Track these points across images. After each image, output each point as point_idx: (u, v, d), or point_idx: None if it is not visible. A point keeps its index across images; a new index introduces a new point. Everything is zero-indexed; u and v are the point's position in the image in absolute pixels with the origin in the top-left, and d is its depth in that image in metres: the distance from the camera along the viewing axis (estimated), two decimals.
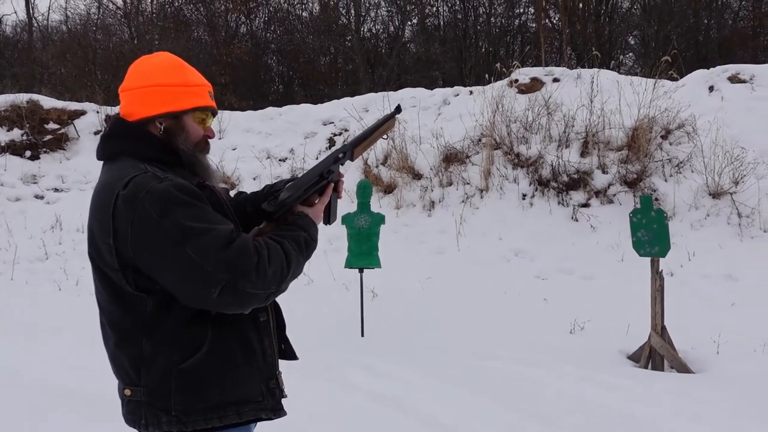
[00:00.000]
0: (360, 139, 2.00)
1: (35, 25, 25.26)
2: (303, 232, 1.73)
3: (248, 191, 2.06)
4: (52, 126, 10.89)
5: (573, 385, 4.41)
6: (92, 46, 21.37)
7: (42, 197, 9.72)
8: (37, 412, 4.03)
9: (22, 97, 10.95)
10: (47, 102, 11.22)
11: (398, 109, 2.13)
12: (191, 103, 1.74)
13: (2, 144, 10.37)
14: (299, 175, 1.89)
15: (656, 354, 4.94)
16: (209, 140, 1.83)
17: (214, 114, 1.84)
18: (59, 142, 10.82)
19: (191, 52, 21.65)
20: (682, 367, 4.83)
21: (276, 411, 1.75)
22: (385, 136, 2.07)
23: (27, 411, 4.06)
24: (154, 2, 24.50)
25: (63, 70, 21.46)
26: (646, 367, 4.97)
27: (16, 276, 7.72)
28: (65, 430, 3.77)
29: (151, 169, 1.62)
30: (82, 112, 11.33)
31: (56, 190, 9.92)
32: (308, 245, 1.73)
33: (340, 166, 1.91)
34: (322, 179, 1.86)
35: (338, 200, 1.99)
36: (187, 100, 1.73)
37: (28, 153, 10.49)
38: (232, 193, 2.06)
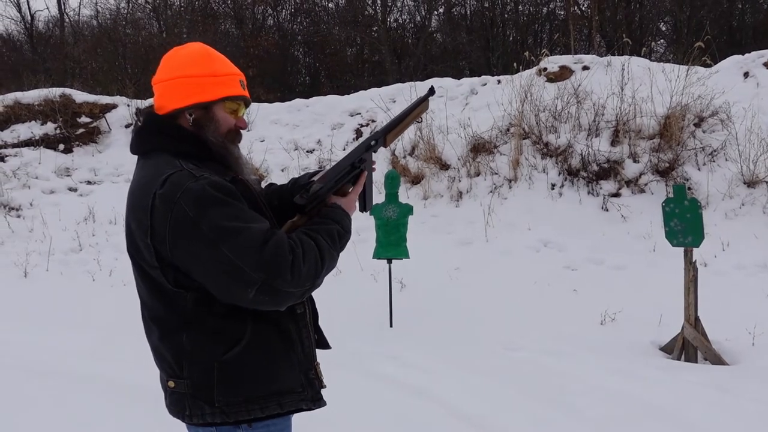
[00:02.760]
0: (392, 125, 1.97)
1: (66, 20, 25.68)
2: (336, 225, 1.72)
3: (278, 183, 2.06)
4: (84, 120, 11.10)
5: (603, 377, 4.36)
6: (122, 41, 21.65)
7: (75, 190, 9.91)
8: (71, 402, 4.12)
9: (55, 92, 11.17)
10: (79, 96, 11.43)
11: (432, 91, 2.07)
12: (220, 93, 1.72)
13: (37, 138, 10.59)
14: (326, 167, 1.88)
15: (689, 345, 4.86)
16: (241, 131, 1.80)
17: (246, 104, 1.81)
18: (91, 136, 11.02)
19: (219, 44, 21.78)
20: (716, 359, 4.75)
21: (316, 401, 1.76)
22: (418, 120, 2.03)
23: (59, 401, 4.15)
24: None
25: (94, 64, 21.82)
26: (678, 359, 4.89)
27: (51, 267, 7.87)
28: (98, 419, 3.84)
29: (185, 166, 1.62)
30: (114, 106, 11.52)
31: (89, 182, 10.09)
32: (342, 237, 1.72)
33: (373, 153, 1.90)
34: (354, 168, 1.84)
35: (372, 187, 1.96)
36: (215, 90, 1.72)
37: (61, 146, 10.71)
38: (262, 185, 2.06)
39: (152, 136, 1.72)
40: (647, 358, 4.92)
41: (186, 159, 1.66)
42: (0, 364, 4.89)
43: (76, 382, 4.48)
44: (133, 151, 1.76)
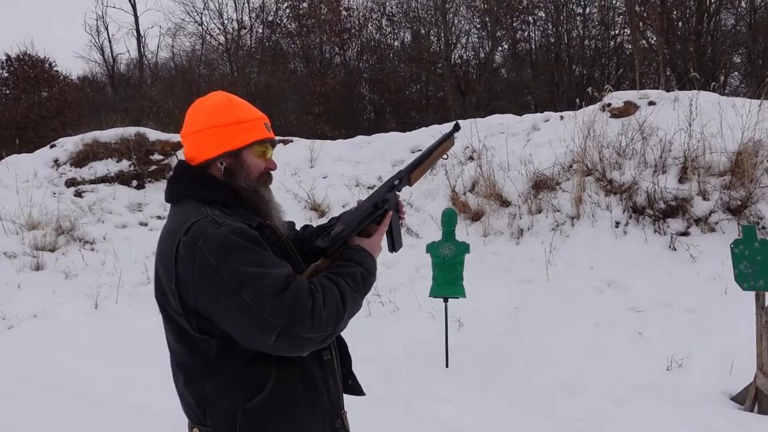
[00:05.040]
0: (417, 164, 1.97)
1: (145, 62, 27.08)
2: (359, 267, 1.70)
3: (315, 224, 2.08)
4: (156, 157, 11.60)
5: (666, 427, 4.15)
6: (196, 81, 22.62)
7: (146, 224, 10.30)
8: None
9: (131, 131, 11.76)
10: (153, 134, 11.98)
11: (457, 127, 2.08)
12: (246, 139, 1.75)
13: (112, 174, 11.13)
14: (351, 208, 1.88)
15: (763, 396, 4.58)
16: (272, 172, 1.83)
17: (273, 145, 1.84)
18: (162, 172, 11.48)
19: (287, 83, 22.51)
20: None
21: None
22: (444, 156, 2.04)
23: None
24: (254, 37, 25.72)
25: (171, 103, 22.85)
26: (751, 411, 4.60)
27: (120, 299, 8.17)
28: None
29: (211, 213, 1.64)
30: None
31: (159, 217, 10.47)
32: (365, 280, 1.70)
33: (397, 192, 1.89)
34: (377, 209, 1.83)
35: (401, 225, 1.94)
36: (242, 136, 1.75)
37: (134, 182, 11.21)
38: (298, 226, 2.09)
39: (182, 184, 1.76)
40: (716, 408, 4.65)
41: (213, 205, 1.68)
42: (65, 393, 5.08)
43: (138, 412, 4.60)
44: (166, 199, 1.81)
